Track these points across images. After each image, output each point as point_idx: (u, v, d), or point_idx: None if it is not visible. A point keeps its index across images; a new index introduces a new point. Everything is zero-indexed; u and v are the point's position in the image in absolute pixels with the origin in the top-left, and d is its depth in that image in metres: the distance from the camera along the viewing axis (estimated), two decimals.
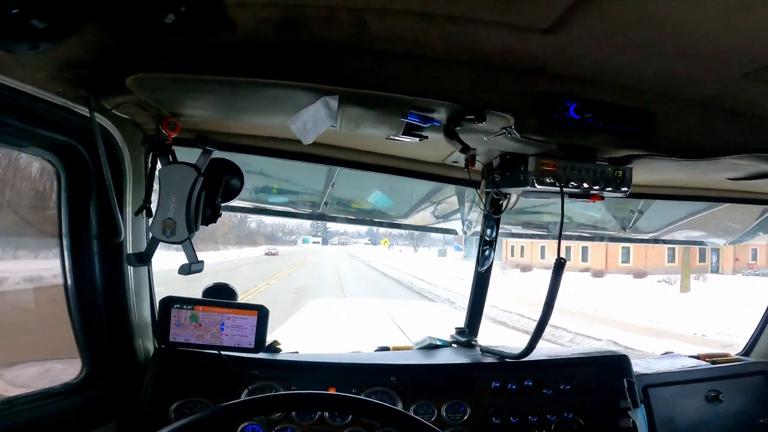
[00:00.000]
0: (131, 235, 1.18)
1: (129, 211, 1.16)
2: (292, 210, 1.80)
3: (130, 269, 1.19)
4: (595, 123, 1.04)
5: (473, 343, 1.69)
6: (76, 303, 1.14)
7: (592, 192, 1.20)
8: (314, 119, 0.98)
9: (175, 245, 1.05)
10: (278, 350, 1.46)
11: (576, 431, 1.46)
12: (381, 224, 1.98)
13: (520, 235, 2.09)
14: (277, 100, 0.99)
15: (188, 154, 1.12)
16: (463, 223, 1.90)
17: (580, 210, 2.03)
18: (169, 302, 1.26)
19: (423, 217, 2.07)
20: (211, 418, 0.85)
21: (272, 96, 0.97)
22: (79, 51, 0.82)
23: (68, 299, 1.13)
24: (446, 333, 1.76)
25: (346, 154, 1.44)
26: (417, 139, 1.11)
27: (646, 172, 1.35)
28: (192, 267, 1.08)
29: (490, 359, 1.54)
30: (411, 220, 2.06)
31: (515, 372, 1.48)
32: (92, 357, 1.20)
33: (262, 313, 1.32)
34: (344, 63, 0.92)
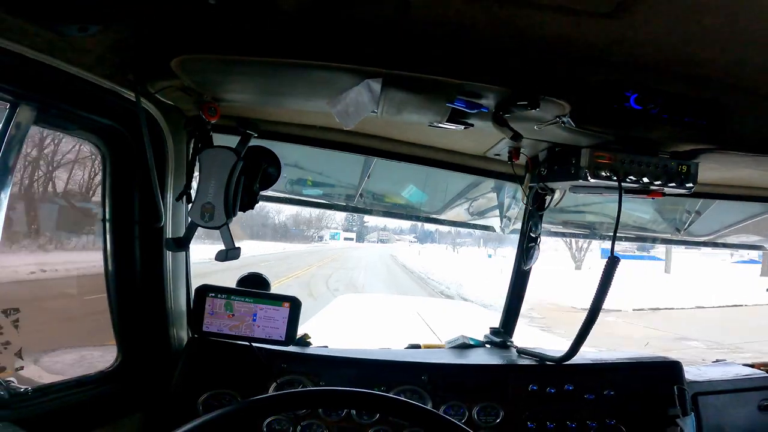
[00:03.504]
0: (171, 221, 1.18)
1: (170, 196, 1.17)
2: (327, 202, 1.78)
3: (169, 256, 1.19)
4: (659, 114, 0.95)
5: (509, 344, 1.63)
6: (115, 288, 1.15)
7: (652, 188, 1.11)
8: (356, 103, 0.95)
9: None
10: (308, 344, 1.44)
11: None
12: (415, 218, 1.92)
13: (561, 234, 1.99)
14: (319, 82, 0.96)
15: (228, 142, 1.12)
16: (501, 220, 1.82)
17: (627, 210, 1.91)
18: (204, 290, 1.25)
19: (458, 213, 2.01)
20: (238, 413, 0.83)
21: (313, 78, 0.95)
22: (126, 34, 0.82)
23: (108, 284, 1.14)
24: (479, 334, 1.65)
25: (384, 144, 1.40)
26: (462, 127, 1.05)
27: (711, 169, 1.25)
28: (229, 253, 1.07)
29: (527, 361, 1.48)
30: (445, 216, 2.00)
31: (555, 376, 1.41)
32: (128, 344, 1.21)
33: (294, 305, 1.30)
34: (388, 45, 0.88)
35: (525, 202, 1.46)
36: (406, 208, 1.91)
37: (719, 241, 2.07)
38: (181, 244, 1.08)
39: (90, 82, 0.89)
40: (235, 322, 1.27)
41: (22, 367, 1.05)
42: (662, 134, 1.00)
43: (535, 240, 1.51)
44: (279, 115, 1.28)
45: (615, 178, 1.06)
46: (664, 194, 1.15)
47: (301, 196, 1.80)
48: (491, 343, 1.64)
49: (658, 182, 1.09)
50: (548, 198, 1.44)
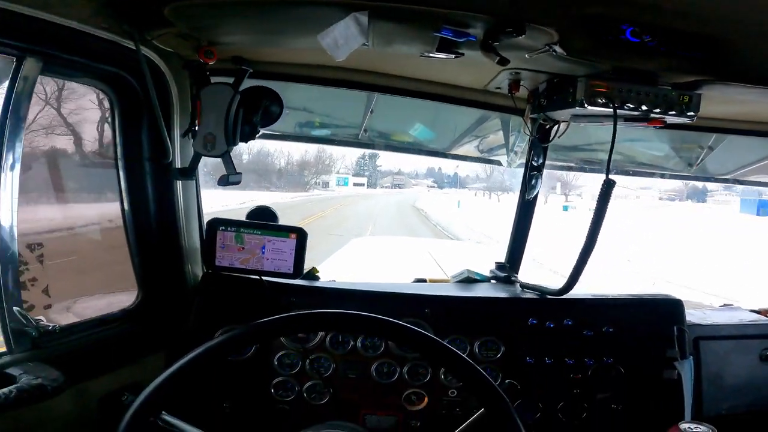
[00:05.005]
0: (179, 157, 1.25)
1: (177, 134, 1.23)
2: (333, 138, 1.81)
3: (180, 190, 1.27)
4: (657, 47, 0.92)
5: (513, 278, 1.65)
6: (132, 226, 1.22)
7: (652, 115, 1.08)
8: (345, 35, 0.95)
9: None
10: (316, 278, 1.50)
11: (614, 378, 1.40)
12: (424, 153, 1.93)
13: (569, 169, 1.96)
14: (307, 19, 0.97)
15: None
16: (508, 155, 1.82)
17: (641, 148, 1.86)
18: (215, 224, 1.31)
19: (467, 149, 2.00)
20: (245, 335, 0.89)
21: (301, 15, 0.96)
22: None
23: (125, 223, 1.22)
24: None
25: (382, 79, 1.39)
26: (452, 56, 1.04)
27: (718, 103, 1.20)
28: (230, 178, 1.16)
29: (529, 295, 1.50)
30: (455, 152, 2.00)
31: (555, 310, 1.41)
32: (146, 282, 1.27)
33: (300, 236, 1.34)
34: None
35: (527, 133, 1.45)
36: (414, 145, 1.92)
37: (740, 178, 2.01)
38: (186, 173, 1.16)
39: (91, 34, 0.93)
40: (245, 255, 1.33)
41: (49, 305, 1.11)
42: (660, 65, 0.98)
43: (538, 169, 1.51)
44: (276, 55, 1.29)
45: (612, 105, 1.05)
46: (665, 123, 1.12)
47: (309, 136, 1.84)
48: (496, 278, 1.67)
49: (658, 110, 1.07)
50: (553, 130, 1.42)
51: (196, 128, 1.16)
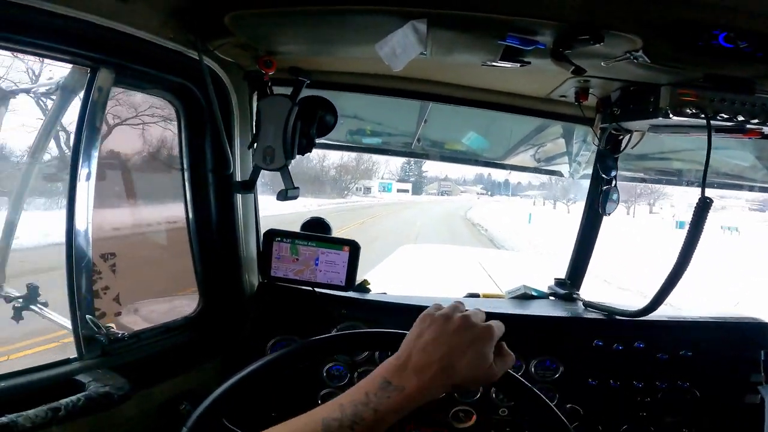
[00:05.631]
0: (239, 168, 1.27)
1: (237, 145, 1.25)
2: (385, 147, 1.79)
3: (239, 201, 1.29)
4: (753, 53, 0.82)
5: (575, 296, 1.55)
6: (196, 236, 1.25)
7: (749, 126, 0.96)
8: (403, 44, 0.92)
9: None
10: (367, 290, 1.49)
11: (688, 402, 1.29)
12: (480, 164, 1.87)
13: (640, 180, 1.82)
14: (365, 27, 0.95)
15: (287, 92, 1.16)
16: (570, 165, 1.71)
17: (722, 158, 1.69)
18: (272, 234, 1.34)
19: (522, 159, 1.92)
20: (297, 353, 0.87)
21: (359, 23, 0.94)
22: None
23: (189, 232, 1.25)
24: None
25: (438, 87, 1.34)
26: (518, 65, 0.98)
27: None
28: (289, 193, 1.15)
29: (594, 315, 1.41)
30: (510, 162, 1.92)
31: (624, 331, 1.32)
32: (207, 291, 1.29)
33: (353, 249, 1.35)
34: None
35: (596, 144, 1.35)
36: (467, 155, 1.86)
37: None
38: (248, 186, 1.17)
39: (158, 44, 0.95)
40: (299, 267, 1.35)
41: (119, 313, 1.14)
42: (757, 72, 0.88)
43: (609, 183, 1.41)
44: (331, 64, 1.29)
45: (703, 115, 0.94)
46: (763, 134, 1.00)
47: (360, 144, 1.83)
48: (555, 294, 1.59)
49: (756, 120, 0.94)
50: (624, 140, 1.31)
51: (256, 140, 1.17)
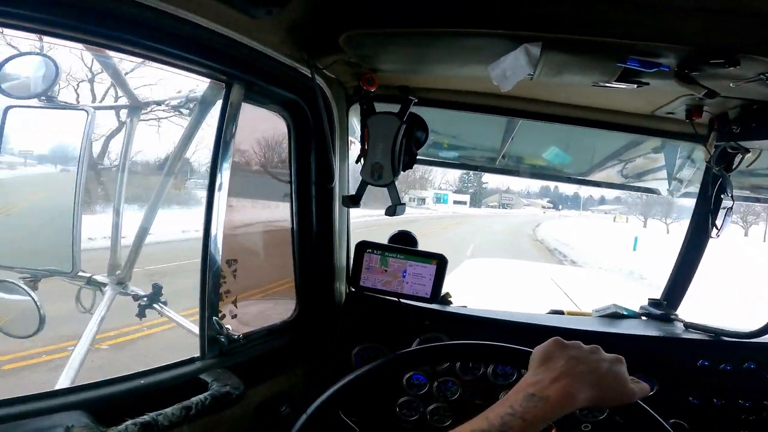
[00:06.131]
0: (338, 181, 1.32)
1: (337, 159, 1.30)
2: (468, 163, 1.79)
3: (337, 212, 1.35)
4: None
5: (672, 317, 1.48)
6: (298, 244, 1.31)
7: None
8: (514, 66, 0.93)
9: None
10: (449, 302, 1.50)
11: None
12: (563, 180, 1.83)
13: (756, 200, 1.69)
14: (476, 49, 0.97)
15: (381, 109, 1.19)
16: (669, 183, 1.62)
17: None
18: (363, 246, 1.38)
19: (608, 175, 1.85)
20: (387, 366, 0.91)
21: (470, 45, 0.95)
22: (298, 14, 0.90)
23: (292, 240, 1.30)
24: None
25: (536, 105, 1.33)
26: (634, 86, 0.96)
27: None
28: (397, 209, 1.18)
29: (695, 336, 1.35)
30: (593, 178, 1.86)
31: (732, 352, 1.27)
32: (303, 297, 1.34)
33: (441, 263, 1.36)
34: (549, 7, 0.83)
35: (708, 162, 1.27)
36: (548, 170, 1.82)
37: None
38: (355, 200, 1.20)
39: (279, 61, 1.01)
40: (387, 278, 1.38)
41: (235, 315, 1.18)
42: None
43: (718, 202, 1.33)
44: (429, 81, 1.31)
45: None
46: None
47: (436, 158, 1.86)
48: (649, 315, 1.52)
49: None
50: (737, 158, 1.23)
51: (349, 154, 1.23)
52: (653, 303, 1.53)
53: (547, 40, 0.86)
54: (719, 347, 1.29)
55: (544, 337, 1.29)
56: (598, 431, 1.26)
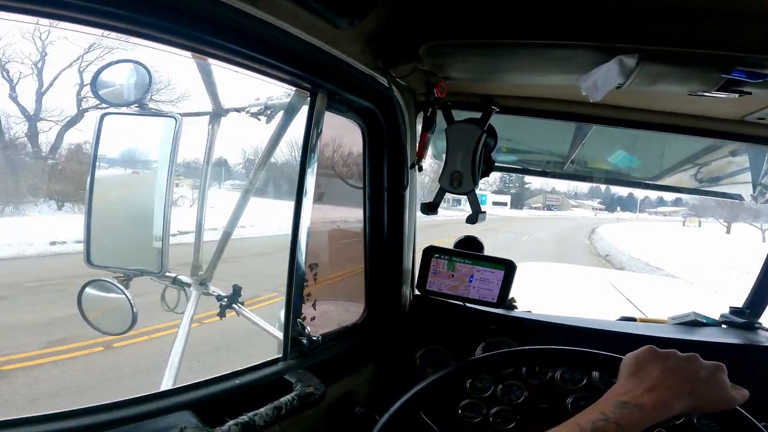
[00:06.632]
0: (409, 188, 1.34)
1: (407, 166, 1.32)
2: (535, 169, 1.77)
3: (407, 218, 1.37)
4: None
5: (756, 325, 1.41)
6: (369, 249, 1.35)
7: None
8: (605, 77, 0.91)
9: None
10: (514, 307, 1.49)
11: None
12: (626, 184, 1.77)
13: None
14: (565, 60, 0.94)
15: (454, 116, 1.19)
16: (754, 188, 1.53)
17: None
18: (431, 251, 1.38)
19: (680, 179, 1.76)
20: (458, 371, 0.93)
21: (558, 57, 0.93)
22: (376, 25, 0.91)
23: (365, 244, 1.34)
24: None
25: (616, 111, 1.29)
26: (736, 96, 0.92)
27: None
28: (479, 216, 1.19)
29: None
30: (664, 182, 1.78)
31: None
32: (372, 300, 1.37)
33: (509, 269, 1.35)
34: (646, 18, 0.80)
35: None
36: (616, 174, 1.76)
37: None
38: (433, 208, 1.22)
39: (358, 69, 1.03)
40: (454, 283, 1.38)
41: (314, 318, 1.21)
42: None
43: None
44: (500, 88, 1.30)
45: None
46: None
47: (497, 162, 1.83)
48: (730, 323, 1.45)
49: None
50: None
51: (422, 163, 1.23)
52: (735, 311, 1.47)
53: (645, 52, 0.83)
54: None
55: (618, 344, 1.23)
56: None
